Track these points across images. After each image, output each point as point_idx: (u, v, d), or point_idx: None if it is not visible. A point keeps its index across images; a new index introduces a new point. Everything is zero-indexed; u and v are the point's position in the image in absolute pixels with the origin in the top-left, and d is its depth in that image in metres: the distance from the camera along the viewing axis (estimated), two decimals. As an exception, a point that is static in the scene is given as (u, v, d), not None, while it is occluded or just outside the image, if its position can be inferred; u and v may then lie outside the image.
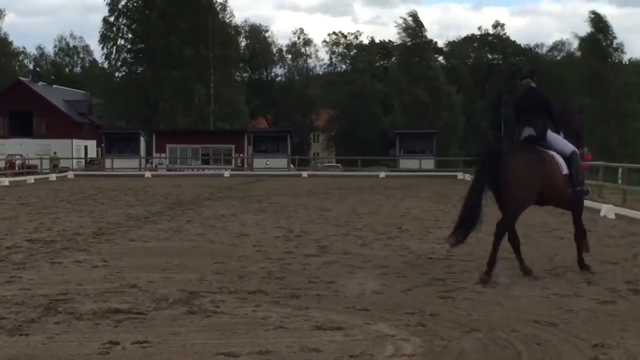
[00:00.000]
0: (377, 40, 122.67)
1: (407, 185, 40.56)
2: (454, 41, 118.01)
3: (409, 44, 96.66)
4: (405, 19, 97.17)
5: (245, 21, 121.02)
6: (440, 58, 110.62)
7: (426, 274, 11.64)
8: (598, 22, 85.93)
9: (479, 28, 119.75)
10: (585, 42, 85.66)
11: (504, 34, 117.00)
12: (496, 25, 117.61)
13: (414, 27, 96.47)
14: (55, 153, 73.61)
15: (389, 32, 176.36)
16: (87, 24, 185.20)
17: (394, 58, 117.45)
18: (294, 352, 7.20)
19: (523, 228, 18.29)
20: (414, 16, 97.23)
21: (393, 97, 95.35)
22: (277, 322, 8.36)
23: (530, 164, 11.61)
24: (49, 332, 7.92)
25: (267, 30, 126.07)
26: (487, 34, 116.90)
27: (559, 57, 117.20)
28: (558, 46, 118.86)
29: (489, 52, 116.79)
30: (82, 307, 9.05)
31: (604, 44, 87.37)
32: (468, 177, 49.57)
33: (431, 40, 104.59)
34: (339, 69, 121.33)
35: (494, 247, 11.38)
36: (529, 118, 12.40)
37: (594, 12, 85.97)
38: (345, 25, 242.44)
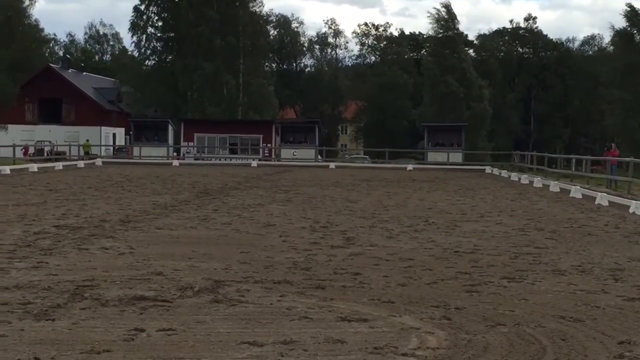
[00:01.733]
0: (406, 32, 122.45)
1: (434, 179, 40.44)
2: (484, 34, 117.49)
3: (440, 35, 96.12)
4: (438, 10, 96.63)
5: (272, 10, 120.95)
6: (471, 51, 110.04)
7: (452, 267, 11.60)
8: (633, 16, 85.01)
9: (511, 21, 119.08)
10: (620, 35, 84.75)
11: (536, 27, 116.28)
12: (528, 18, 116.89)
13: (446, 19, 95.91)
14: (87, 140, 74.34)
15: (418, 24, 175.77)
16: (116, 11, 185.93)
17: (423, 51, 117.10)
18: (319, 343, 7.19)
19: (551, 224, 18.25)
20: (447, 7, 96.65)
21: (424, 89, 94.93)
22: (302, 313, 8.36)
23: None
24: (74, 318, 7.95)
25: (297, 21, 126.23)
26: (519, 28, 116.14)
27: (590, 52, 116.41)
28: (589, 41, 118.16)
29: (520, 45, 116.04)
30: (108, 294, 9.09)
31: (638, 38, 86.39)
32: (496, 171, 49.45)
33: (462, 33, 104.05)
34: (368, 60, 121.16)
35: None
36: None
37: (630, 6, 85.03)
38: (374, 17, 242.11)
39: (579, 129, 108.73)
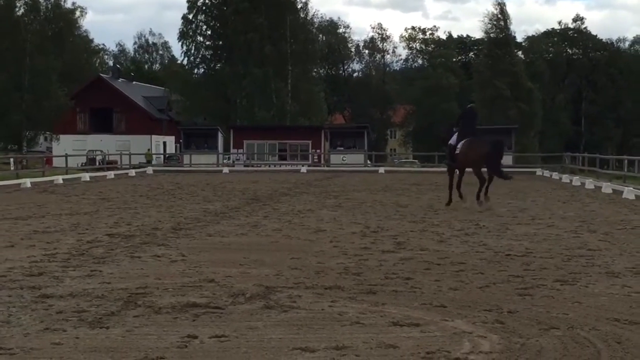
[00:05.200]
0: (454, 35, 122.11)
1: (484, 182, 40.19)
2: (533, 35, 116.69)
3: (492, 35, 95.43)
4: (494, 9, 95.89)
5: (319, 14, 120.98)
6: (519, 53, 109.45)
7: (504, 270, 11.52)
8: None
9: (559, 22, 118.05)
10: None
11: (584, 28, 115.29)
12: (576, 19, 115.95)
13: (499, 19, 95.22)
14: (149, 150, 76.04)
15: (461, 27, 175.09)
16: (162, 21, 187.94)
17: (471, 53, 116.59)
18: (371, 348, 7.17)
19: (604, 226, 18.07)
20: (501, 6, 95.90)
21: (474, 91, 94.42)
22: (354, 318, 8.35)
23: None
24: (128, 325, 8.02)
25: (345, 26, 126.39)
26: (567, 29, 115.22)
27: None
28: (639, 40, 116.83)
29: (569, 46, 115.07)
30: (160, 301, 9.15)
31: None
32: (547, 173, 49.04)
33: (513, 34, 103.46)
34: (415, 64, 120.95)
35: None
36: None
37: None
38: (417, 20, 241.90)
39: (631, 129, 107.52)
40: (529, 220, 19.55)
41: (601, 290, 10.06)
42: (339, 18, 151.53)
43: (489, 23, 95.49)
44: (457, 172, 24.28)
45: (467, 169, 23.78)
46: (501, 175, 23.19)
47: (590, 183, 35.36)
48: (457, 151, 23.36)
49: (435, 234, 16.33)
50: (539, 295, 9.68)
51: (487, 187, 23.00)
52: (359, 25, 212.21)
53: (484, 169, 22.97)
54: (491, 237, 15.76)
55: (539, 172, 51.98)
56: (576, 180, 38.38)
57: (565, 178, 41.74)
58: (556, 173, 47.72)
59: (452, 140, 23.80)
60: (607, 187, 31.92)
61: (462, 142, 23.24)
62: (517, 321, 8.26)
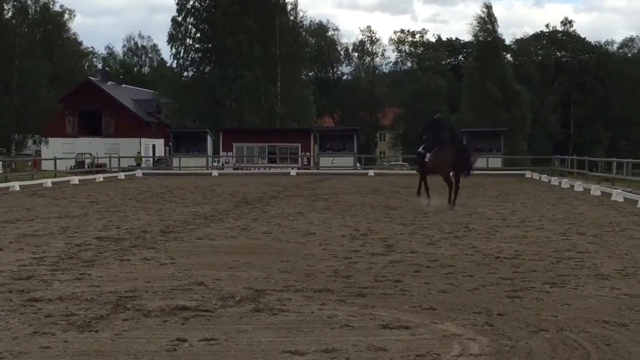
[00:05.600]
0: (444, 38, 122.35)
1: (474, 184, 40.22)
2: (522, 38, 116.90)
3: (480, 38, 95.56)
4: (481, 12, 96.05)
5: (308, 17, 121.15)
6: (508, 55, 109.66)
7: (493, 273, 11.54)
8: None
9: (547, 25, 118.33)
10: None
11: (573, 30, 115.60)
12: (565, 22, 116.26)
13: (486, 21, 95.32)
14: (138, 152, 76.20)
15: (449, 30, 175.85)
16: (151, 24, 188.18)
17: (460, 56, 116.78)
18: (360, 351, 7.18)
19: (592, 228, 18.11)
20: (488, 8, 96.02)
21: (463, 94, 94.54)
22: (344, 321, 8.35)
23: None
24: (117, 329, 8.01)
25: (334, 29, 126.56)
26: (556, 31, 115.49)
27: (629, 55, 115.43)
28: (628, 43, 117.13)
29: (558, 49, 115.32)
30: (150, 304, 9.14)
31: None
32: (536, 175, 49.13)
33: (501, 36, 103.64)
34: (405, 67, 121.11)
35: None
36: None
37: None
38: (405, 23, 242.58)
39: (620, 132, 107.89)
40: (518, 222, 19.59)
41: (590, 292, 10.08)
42: (327, 21, 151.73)
43: (477, 26, 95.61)
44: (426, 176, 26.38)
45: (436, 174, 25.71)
46: (456, 182, 24.85)
47: (579, 185, 35.43)
48: (426, 159, 25.49)
49: (424, 236, 16.34)
50: (529, 297, 9.70)
51: (455, 194, 24.62)
52: (348, 28, 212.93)
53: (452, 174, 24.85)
54: (480, 239, 15.78)
55: (528, 174, 52.06)
56: (565, 183, 38.46)
57: (554, 180, 41.81)
58: (545, 175, 47.77)
59: (421, 149, 26.05)
60: (596, 190, 32.01)
61: (432, 150, 25.18)
62: (507, 323, 8.27)
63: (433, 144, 25.12)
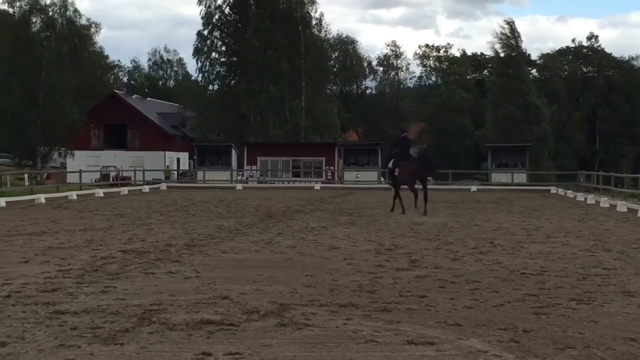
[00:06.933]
0: (468, 53, 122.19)
1: (499, 200, 40.15)
2: (547, 53, 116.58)
3: (502, 54, 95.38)
4: (502, 28, 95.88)
5: (332, 31, 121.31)
6: (534, 70, 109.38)
7: (519, 289, 11.47)
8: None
9: (573, 40, 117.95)
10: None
11: (598, 45, 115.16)
12: (590, 37, 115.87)
13: (509, 38, 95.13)
14: (167, 166, 76.75)
15: (473, 45, 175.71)
16: (177, 37, 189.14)
17: (485, 71, 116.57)
18: (385, 367, 7.15)
19: (619, 245, 17.99)
20: (511, 24, 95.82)
21: (487, 109, 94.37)
22: (368, 336, 8.32)
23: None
24: (142, 342, 8.01)
25: (359, 44, 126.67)
26: (582, 47, 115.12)
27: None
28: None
29: (584, 64, 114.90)
30: (175, 318, 9.14)
31: None
32: (561, 191, 48.89)
33: (525, 52, 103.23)
34: (429, 81, 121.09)
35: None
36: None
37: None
38: (428, 38, 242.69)
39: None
40: (543, 238, 19.49)
41: (617, 309, 10.01)
42: (351, 36, 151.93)
43: (499, 42, 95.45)
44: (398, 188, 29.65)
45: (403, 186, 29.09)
46: (423, 189, 28.47)
47: (605, 201, 35.21)
48: (396, 173, 29.35)
49: (449, 251, 16.28)
50: (555, 314, 9.63)
51: (425, 203, 27.79)
52: (371, 42, 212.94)
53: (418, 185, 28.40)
54: (506, 255, 15.71)
55: (553, 190, 51.79)
56: (591, 199, 38.24)
57: (580, 196, 41.58)
58: (570, 191, 47.52)
59: (391, 164, 30.06)
60: (622, 206, 31.79)
61: (399, 165, 28.98)
62: (533, 340, 8.22)
63: (400, 159, 29.03)
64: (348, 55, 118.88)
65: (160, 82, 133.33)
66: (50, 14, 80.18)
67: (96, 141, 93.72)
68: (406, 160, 28.94)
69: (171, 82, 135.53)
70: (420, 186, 28.41)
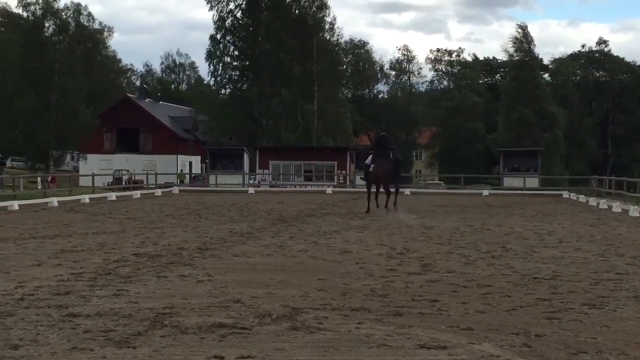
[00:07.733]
0: (480, 57, 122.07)
1: (510, 204, 40.08)
2: (560, 58, 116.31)
3: (516, 58, 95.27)
4: (516, 33, 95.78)
5: (344, 35, 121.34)
6: (546, 75, 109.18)
7: (531, 294, 11.45)
8: None
9: (583, 46, 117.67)
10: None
11: (609, 50, 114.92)
12: (600, 42, 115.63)
13: (522, 42, 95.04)
14: (181, 170, 77.00)
15: (484, 49, 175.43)
16: (189, 41, 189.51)
17: (498, 75, 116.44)
18: (398, 371, 7.15)
19: (631, 249, 17.94)
20: (524, 29, 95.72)
21: (500, 114, 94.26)
22: (380, 340, 8.32)
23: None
24: (155, 345, 8.03)
25: (370, 47, 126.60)
26: (593, 51, 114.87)
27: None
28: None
29: (596, 69, 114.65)
30: (187, 321, 9.15)
31: None
32: (574, 196, 48.78)
33: (537, 56, 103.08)
34: (441, 85, 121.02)
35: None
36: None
37: None
38: (440, 42, 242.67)
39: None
40: (556, 243, 19.45)
41: (630, 314, 9.98)
42: (363, 40, 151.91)
43: (512, 47, 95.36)
44: (373, 186, 31.19)
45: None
46: (395, 188, 30.41)
47: (617, 206, 35.12)
48: (370, 169, 30.50)
49: (461, 256, 16.27)
50: (567, 319, 9.62)
51: (395, 200, 29.86)
52: (382, 46, 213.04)
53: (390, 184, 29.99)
54: (518, 259, 15.68)
55: (565, 194, 51.67)
56: (603, 204, 38.12)
57: (592, 201, 41.48)
58: (583, 196, 47.41)
59: (368, 161, 31.22)
60: (634, 211, 31.69)
61: (374, 163, 30.20)
62: (545, 345, 8.20)
63: (377, 157, 30.36)
64: (360, 60, 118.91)
65: (172, 86, 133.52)
66: (64, 17, 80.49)
67: (109, 145, 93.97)
68: (383, 158, 30.34)
69: (183, 85, 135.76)
70: (393, 189, 30.08)
